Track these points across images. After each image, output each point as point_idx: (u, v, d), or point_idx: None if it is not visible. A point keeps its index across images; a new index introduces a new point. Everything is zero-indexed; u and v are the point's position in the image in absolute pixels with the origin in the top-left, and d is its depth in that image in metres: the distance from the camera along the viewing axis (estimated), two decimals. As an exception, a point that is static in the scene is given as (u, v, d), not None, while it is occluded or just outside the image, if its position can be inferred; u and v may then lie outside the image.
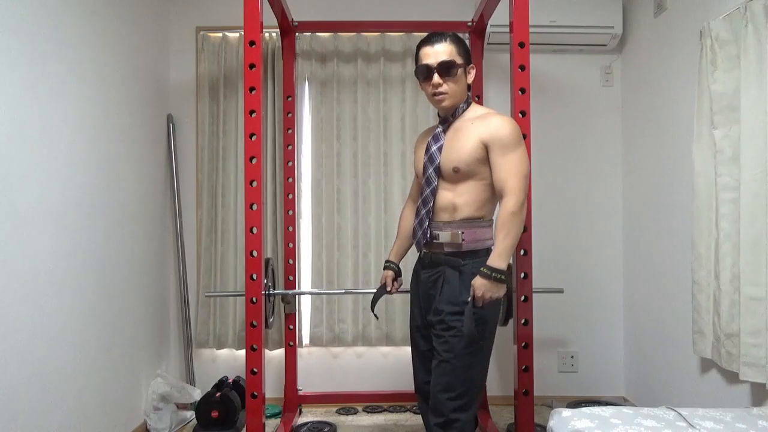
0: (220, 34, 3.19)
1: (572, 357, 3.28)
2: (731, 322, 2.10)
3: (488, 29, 2.95)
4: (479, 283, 1.80)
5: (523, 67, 2.13)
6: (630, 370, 3.21)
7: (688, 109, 2.47)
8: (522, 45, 2.13)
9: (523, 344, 2.15)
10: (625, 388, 3.27)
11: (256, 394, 2.13)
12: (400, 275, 2.26)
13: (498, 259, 1.80)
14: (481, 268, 1.80)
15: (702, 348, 2.32)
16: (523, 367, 2.15)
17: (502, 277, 1.79)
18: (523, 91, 2.13)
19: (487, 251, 1.91)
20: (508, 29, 2.18)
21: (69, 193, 2.22)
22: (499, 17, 2.62)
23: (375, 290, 2.26)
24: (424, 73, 1.93)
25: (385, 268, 2.25)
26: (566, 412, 1.73)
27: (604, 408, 1.76)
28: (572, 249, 3.27)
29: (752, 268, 1.99)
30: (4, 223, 1.84)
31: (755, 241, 1.98)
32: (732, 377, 2.20)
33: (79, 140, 2.29)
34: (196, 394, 2.97)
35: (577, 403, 3.10)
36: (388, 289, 2.23)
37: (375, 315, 2.35)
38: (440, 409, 1.88)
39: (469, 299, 1.82)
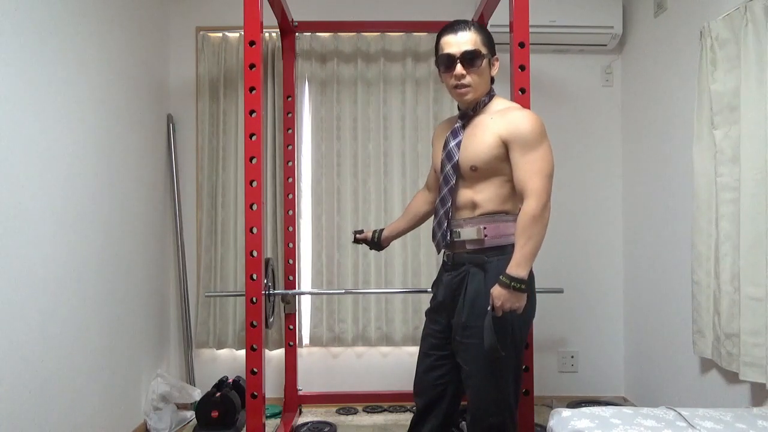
0: (220, 34, 3.19)
1: (572, 357, 3.28)
2: (731, 322, 2.10)
3: (488, 29, 2.95)
4: (497, 293, 1.68)
5: (523, 67, 2.13)
6: (630, 370, 3.21)
7: (688, 109, 2.47)
8: (522, 45, 2.13)
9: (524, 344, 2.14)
10: (625, 388, 3.27)
11: (256, 394, 2.12)
12: (373, 246, 2.27)
13: (517, 267, 1.67)
14: (501, 277, 1.69)
15: (702, 348, 2.32)
16: (523, 367, 2.15)
17: (522, 286, 1.67)
18: (523, 91, 2.13)
19: (514, 247, 1.76)
20: (508, 29, 2.19)
21: (69, 194, 2.22)
22: (499, 17, 2.61)
23: (375, 290, 2.26)
24: (446, 63, 1.81)
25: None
26: (566, 412, 1.73)
27: (604, 408, 1.76)
28: (572, 249, 3.27)
29: (752, 268, 1.99)
30: (4, 224, 1.84)
31: (755, 241, 1.98)
32: (732, 377, 2.20)
33: (78, 140, 2.29)
34: (196, 394, 2.97)
35: (577, 403, 3.10)
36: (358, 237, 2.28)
37: (357, 234, 2.33)
38: (480, 422, 1.83)
39: (489, 309, 1.70)
